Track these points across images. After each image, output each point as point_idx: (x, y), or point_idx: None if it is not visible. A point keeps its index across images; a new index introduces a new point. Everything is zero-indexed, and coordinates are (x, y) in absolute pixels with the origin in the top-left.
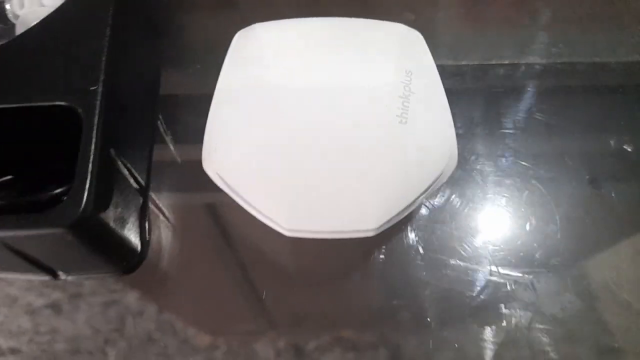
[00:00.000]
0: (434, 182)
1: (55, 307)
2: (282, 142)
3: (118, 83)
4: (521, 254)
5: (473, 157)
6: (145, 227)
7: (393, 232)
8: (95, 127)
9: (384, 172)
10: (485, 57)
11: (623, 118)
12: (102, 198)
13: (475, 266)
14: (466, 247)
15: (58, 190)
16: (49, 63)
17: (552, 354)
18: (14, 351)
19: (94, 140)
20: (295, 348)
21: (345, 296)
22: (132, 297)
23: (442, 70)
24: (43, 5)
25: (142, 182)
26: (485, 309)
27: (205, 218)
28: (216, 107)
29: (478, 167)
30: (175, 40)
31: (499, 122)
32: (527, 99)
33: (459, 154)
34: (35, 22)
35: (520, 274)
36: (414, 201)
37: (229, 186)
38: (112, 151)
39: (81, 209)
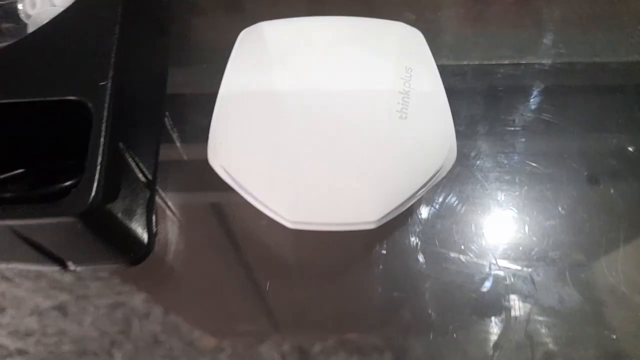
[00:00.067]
0: (433, 176)
1: (62, 309)
2: (285, 137)
3: (127, 79)
4: (520, 247)
5: (473, 154)
6: (152, 220)
7: (394, 225)
8: (104, 121)
9: (385, 166)
10: (486, 57)
11: (623, 118)
12: (111, 189)
13: (475, 259)
14: (467, 241)
15: (68, 183)
16: (60, 60)
17: (550, 346)
18: (21, 352)
19: (103, 133)
20: (299, 351)
21: (347, 288)
22: (138, 299)
23: (443, 69)
24: (54, 5)
25: (149, 176)
26: (486, 301)
27: (210, 213)
28: (221, 103)
29: (478, 163)
30: (182, 40)
31: (499, 121)
32: (527, 98)
33: (459, 151)
34: (46, 21)
35: (519, 267)
36: (413, 194)
37: (233, 179)
38: (121, 145)
39: (91, 198)
